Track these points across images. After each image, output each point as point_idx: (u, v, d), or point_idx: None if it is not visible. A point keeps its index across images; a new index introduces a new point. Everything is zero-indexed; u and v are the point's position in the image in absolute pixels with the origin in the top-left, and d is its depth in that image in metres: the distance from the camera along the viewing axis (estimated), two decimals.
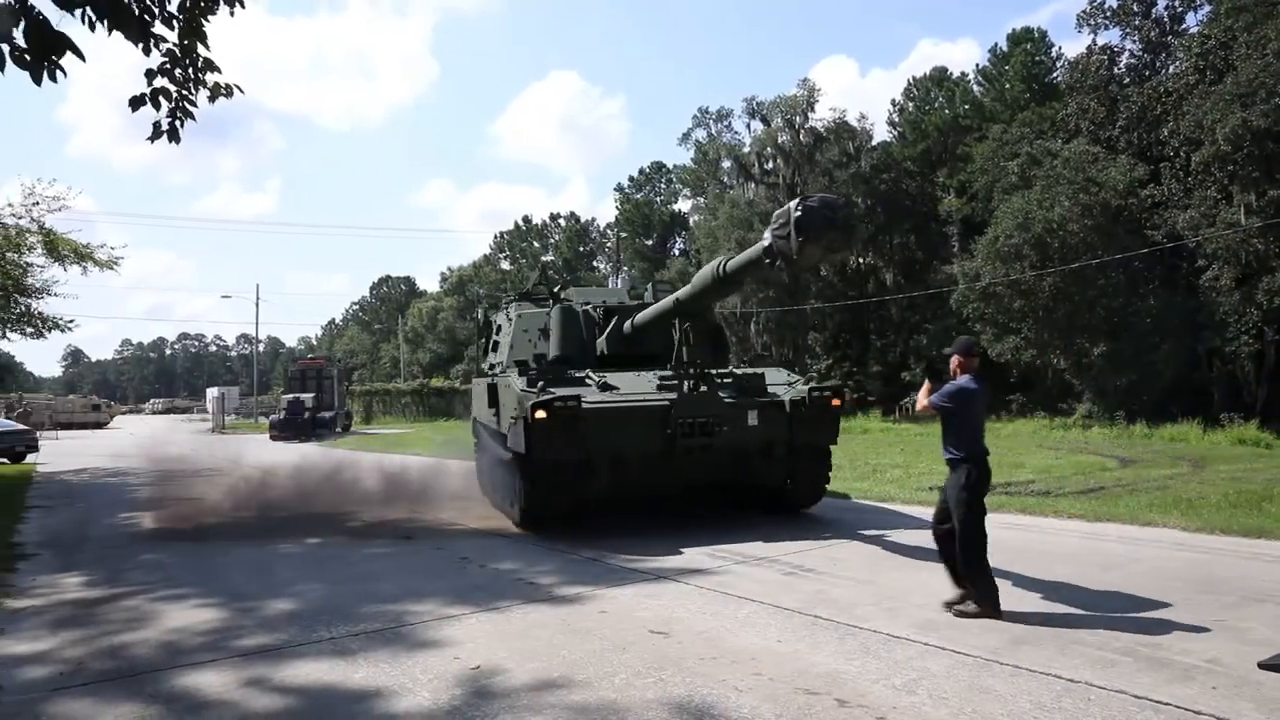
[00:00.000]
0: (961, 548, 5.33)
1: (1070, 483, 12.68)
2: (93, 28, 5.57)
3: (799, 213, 6.45)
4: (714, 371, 9.21)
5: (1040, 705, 3.75)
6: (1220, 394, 26.26)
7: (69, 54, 4.99)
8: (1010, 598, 5.63)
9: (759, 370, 9.58)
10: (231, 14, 6.79)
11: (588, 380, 8.79)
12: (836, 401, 8.92)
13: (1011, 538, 8.01)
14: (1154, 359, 25.76)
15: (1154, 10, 30.95)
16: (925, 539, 8.09)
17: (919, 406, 5.67)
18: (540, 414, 7.90)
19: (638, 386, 8.77)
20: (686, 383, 8.71)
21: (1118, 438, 23.27)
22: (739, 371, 9.56)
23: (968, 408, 5.44)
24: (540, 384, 8.32)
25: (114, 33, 5.62)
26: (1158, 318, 26.39)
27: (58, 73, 5.06)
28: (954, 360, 5.54)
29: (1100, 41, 32.10)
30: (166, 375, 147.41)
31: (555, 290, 11.90)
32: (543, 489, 8.54)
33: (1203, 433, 22.41)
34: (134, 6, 5.78)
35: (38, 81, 4.95)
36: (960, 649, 4.56)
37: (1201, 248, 25.42)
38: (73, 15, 5.38)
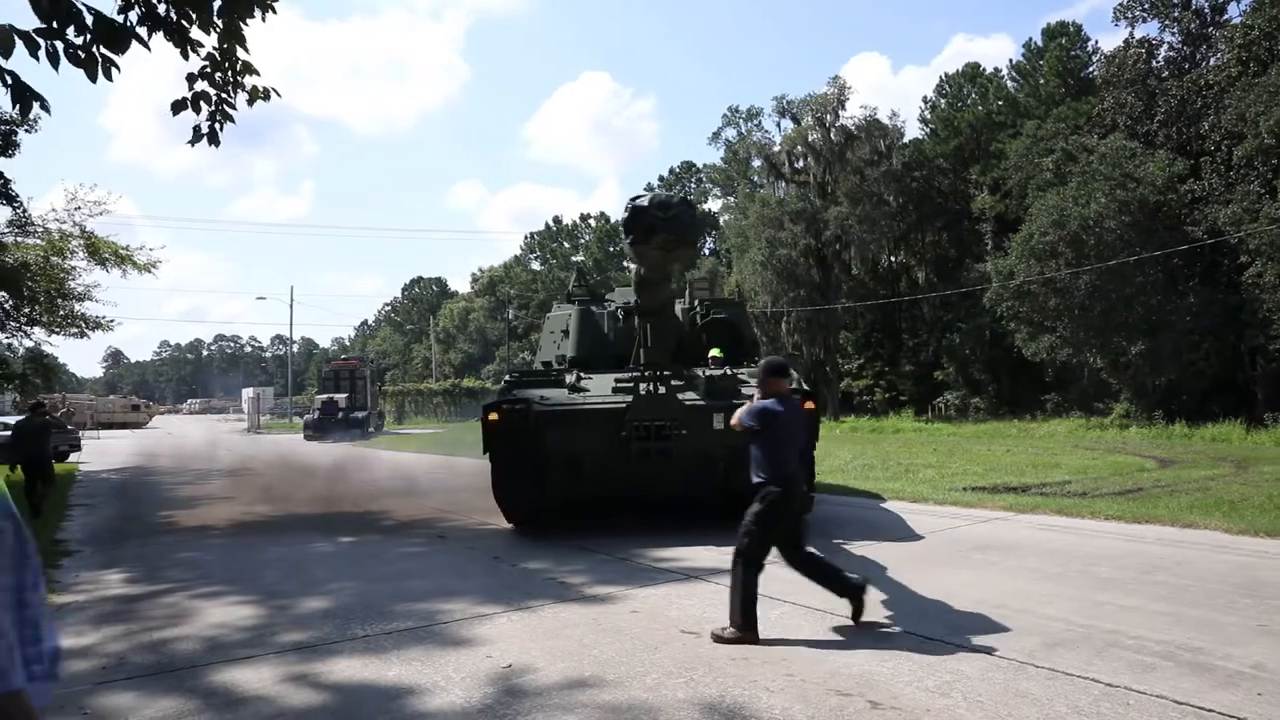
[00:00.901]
0: (736, 563, 4.99)
1: (1108, 483, 12.45)
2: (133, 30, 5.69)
3: (625, 214, 6.20)
4: (713, 371, 8.96)
5: (1078, 710, 3.69)
6: (1264, 393, 25.65)
7: (117, 55, 5.13)
8: (1046, 599, 5.55)
9: (736, 370, 9.11)
10: (263, 19, 6.89)
11: (563, 382, 8.84)
12: (809, 405, 8.26)
13: (1048, 539, 7.90)
14: (1194, 357, 25.23)
15: (1194, 1, 30.33)
16: (957, 539, 8.01)
17: (732, 421, 5.40)
18: (492, 416, 8.17)
19: (605, 388, 8.68)
20: (644, 385, 8.51)
21: (1156, 438, 22.83)
22: (714, 372, 8.97)
23: (772, 429, 5.12)
24: (505, 385, 8.42)
25: (154, 35, 5.75)
26: (1198, 315, 25.84)
27: (112, 70, 5.18)
28: (764, 384, 5.28)
29: (1138, 34, 31.54)
30: (203, 376, 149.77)
31: (600, 292, 11.90)
32: (507, 488, 8.68)
33: (1246, 433, 21.90)
34: (174, 11, 5.92)
35: (93, 78, 5.09)
36: (995, 651, 4.50)
37: (1244, 243, 24.83)
38: (135, 5, 5.52)
